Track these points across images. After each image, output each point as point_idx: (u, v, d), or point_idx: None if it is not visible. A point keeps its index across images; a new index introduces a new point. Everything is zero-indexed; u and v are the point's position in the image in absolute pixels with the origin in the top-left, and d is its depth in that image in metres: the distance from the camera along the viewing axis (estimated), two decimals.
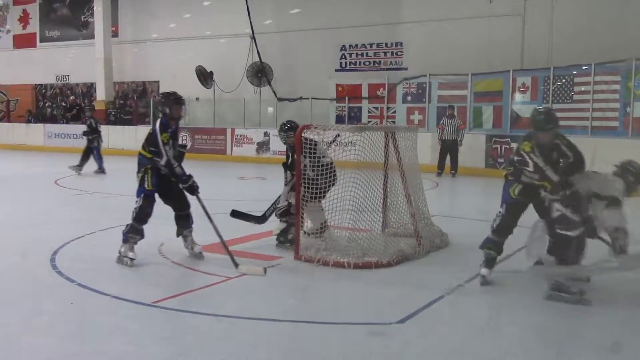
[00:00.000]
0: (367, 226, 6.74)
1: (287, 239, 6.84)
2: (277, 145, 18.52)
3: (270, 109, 19.98)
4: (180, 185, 6.14)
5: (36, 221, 8.60)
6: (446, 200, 11.07)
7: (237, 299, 5.17)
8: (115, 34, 23.13)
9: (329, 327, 4.50)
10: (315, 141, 6.64)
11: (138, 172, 6.18)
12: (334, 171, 6.70)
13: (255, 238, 7.42)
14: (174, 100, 6.18)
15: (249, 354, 3.99)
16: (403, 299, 5.17)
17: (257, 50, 19.45)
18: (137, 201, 6.14)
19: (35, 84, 26.28)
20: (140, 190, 6.13)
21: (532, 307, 4.97)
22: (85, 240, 7.31)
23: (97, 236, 7.54)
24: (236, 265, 5.81)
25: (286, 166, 7.03)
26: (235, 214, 7.31)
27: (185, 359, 3.91)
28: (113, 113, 22.30)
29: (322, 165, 6.53)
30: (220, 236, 6.07)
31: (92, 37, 22.88)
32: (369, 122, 17.65)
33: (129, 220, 6.15)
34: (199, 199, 6.18)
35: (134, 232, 6.12)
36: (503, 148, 15.04)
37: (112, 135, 21.63)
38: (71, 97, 25.15)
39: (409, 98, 17.44)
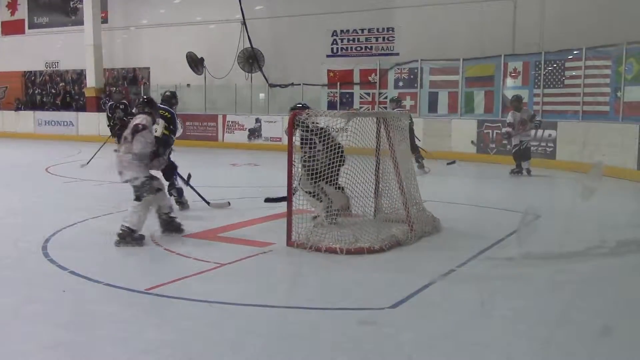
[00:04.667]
0: (359, 212, 6.76)
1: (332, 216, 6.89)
2: (269, 131, 18.53)
3: (262, 95, 19.90)
4: None
5: (28, 209, 8.57)
6: (438, 186, 11.08)
7: (230, 285, 5.18)
8: (105, 20, 22.93)
9: (322, 312, 4.52)
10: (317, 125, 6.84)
11: None
12: (342, 152, 6.82)
13: (248, 225, 7.45)
14: None
15: (241, 340, 4.01)
16: (395, 284, 5.19)
17: (248, 36, 19.35)
18: None
19: (25, 71, 26.05)
20: None
21: (523, 292, 5.01)
22: (77, 227, 7.29)
23: (88, 224, 7.52)
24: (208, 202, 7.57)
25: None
26: (268, 199, 7.72)
27: (178, 345, 3.92)
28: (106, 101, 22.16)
29: (333, 147, 6.65)
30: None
31: (81, 23, 22.63)
32: (360, 107, 17.63)
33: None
34: None
35: None
36: (494, 133, 15.08)
37: (103, 123, 21.52)
38: (61, 84, 24.96)
39: (400, 83, 17.42)
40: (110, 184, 10.98)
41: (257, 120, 18.87)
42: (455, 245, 6.57)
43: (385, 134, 6.97)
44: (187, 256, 5.98)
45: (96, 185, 10.95)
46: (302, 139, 6.79)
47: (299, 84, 18.48)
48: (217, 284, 5.22)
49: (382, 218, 7.09)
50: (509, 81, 15.45)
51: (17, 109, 24.52)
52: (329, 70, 18.54)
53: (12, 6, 25.98)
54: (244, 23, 19.52)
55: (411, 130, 9.84)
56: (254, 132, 18.89)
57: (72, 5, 24.37)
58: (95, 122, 21.44)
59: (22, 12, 25.75)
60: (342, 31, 19.15)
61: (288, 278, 5.64)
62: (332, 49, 19.39)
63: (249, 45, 19.47)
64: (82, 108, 23.27)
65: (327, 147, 6.69)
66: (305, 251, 6.12)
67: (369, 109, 17.17)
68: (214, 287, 5.11)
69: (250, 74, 19.96)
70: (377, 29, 18.69)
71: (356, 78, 18.15)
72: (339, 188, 6.99)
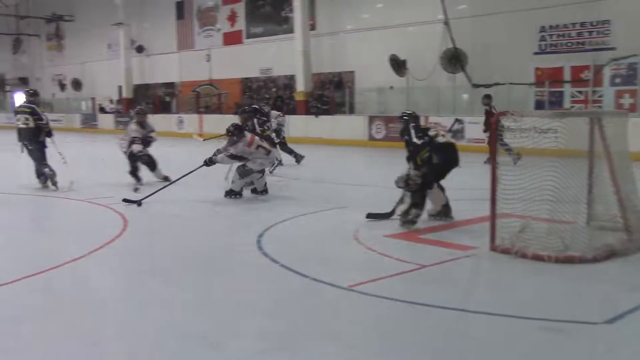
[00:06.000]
0: (570, 218, 6.35)
1: (407, 219, 7.24)
2: (472, 132, 18.09)
3: (465, 96, 19.53)
4: None
5: (243, 206, 9.27)
6: None
7: (432, 288, 5.16)
8: (312, 28, 24.09)
9: (528, 322, 4.31)
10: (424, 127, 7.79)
11: None
12: (456, 152, 7.38)
13: (450, 227, 7.37)
14: None
15: (440, 343, 3.98)
16: (611, 298, 4.81)
17: (451, 36, 19.10)
18: None
19: (242, 78, 28.26)
20: None
21: None
22: (287, 223, 7.76)
23: (298, 220, 7.96)
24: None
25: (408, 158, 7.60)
26: (370, 215, 7.72)
27: (380, 343, 4.00)
28: (316, 105, 23.37)
29: (441, 144, 7.28)
30: None
31: (291, 31, 24.02)
32: (572, 107, 16.58)
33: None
34: None
35: None
36: None
37: (311, 125, 22.71)
38: (274, 89, 26.68)
39: (617, 80, 16.09)
40: (319, 183, 11.50)
41: (460, 122, 18.52)
42: None
43: (599, 135, 6.49)
44: (389, 256, 6.07)
45: (306, 183, 11.54)
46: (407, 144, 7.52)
47: (504, 84, 17.84)
48: (419, 285, 5.24)
49: (595, 226, 6.60)
50: None
51: (235, 113, 26.71)
52: (536, 68, 17.69)
53: (232, 18, 28.35)
54: (446, 23, 19.32)
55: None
56: (457, 133, 18.55)
57: (283, 15, 25.94)
58: (304, 124, 22.62)
59: (241, 24, 27.97)
60: (550, 26, 18.12)
61: (492, 284, 5.47)
62: (539, 45, 18.43)
63: (452, 46, 19.22)
64: (291, 111, 24.63)
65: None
66: (509, 257, 5.91)
67: (581, 109, 16.08)
68: (415, 288, 5.14)
69: (453, 74, 19.71)
70: (591, 23, 17.41)
71: (567, 76, 17.11)
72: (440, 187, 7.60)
